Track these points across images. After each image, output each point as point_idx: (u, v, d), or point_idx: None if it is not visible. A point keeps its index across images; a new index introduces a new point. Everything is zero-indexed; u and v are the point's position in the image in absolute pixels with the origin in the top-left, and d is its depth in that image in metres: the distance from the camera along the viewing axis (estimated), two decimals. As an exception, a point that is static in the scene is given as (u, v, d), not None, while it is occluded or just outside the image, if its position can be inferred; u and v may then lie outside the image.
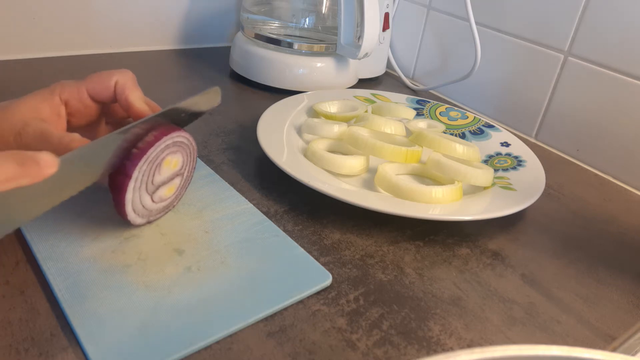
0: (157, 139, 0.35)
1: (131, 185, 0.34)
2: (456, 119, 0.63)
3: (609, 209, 0.53)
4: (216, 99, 0.42)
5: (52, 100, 0.35)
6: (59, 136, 0.32)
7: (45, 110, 0.35)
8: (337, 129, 0.52)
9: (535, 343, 0.30)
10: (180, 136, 0.37)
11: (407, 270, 0.39)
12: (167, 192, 0.38)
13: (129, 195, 0.35)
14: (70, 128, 0.37)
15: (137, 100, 0.37)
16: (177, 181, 0.39)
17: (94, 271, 0.33)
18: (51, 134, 0.32)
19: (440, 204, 0.44)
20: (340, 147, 0.52)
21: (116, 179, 0.34)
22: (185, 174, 0.40)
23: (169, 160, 0.37)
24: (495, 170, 0.52)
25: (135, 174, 0.34)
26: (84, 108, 0.37)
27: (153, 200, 0.37)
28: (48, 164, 0.25)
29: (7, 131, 0.32)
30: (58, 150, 0.30)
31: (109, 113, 0.40)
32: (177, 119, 0.39)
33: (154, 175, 0.36)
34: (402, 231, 0.44)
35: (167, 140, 0.36)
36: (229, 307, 0.32)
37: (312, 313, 0.34)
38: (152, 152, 0.35)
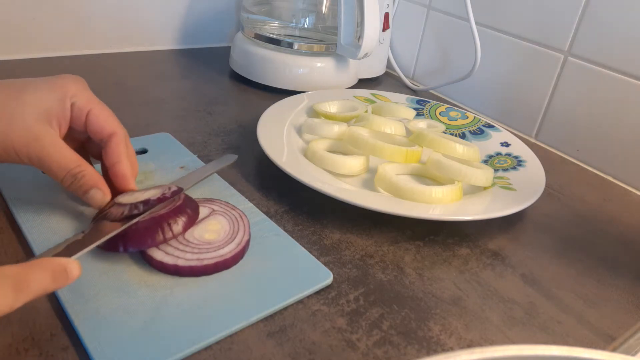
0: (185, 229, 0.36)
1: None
2: (456, 119, 0.63)
3: (609, 209, 0.53)
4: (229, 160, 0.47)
5: (64, 103, 0.36)
6: (64, 178, 0.35)
7: (54, 111, 0.35)
8: (337, 129, 0.52)
9: (535, 343, 0.30)
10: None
11: (407, 270, 0.39)
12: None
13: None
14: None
15: (130, 177, 0.38)
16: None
17: (96, 271, 0.33)
18: (56, 172, 0.34)
19: (440, 204, 0.44)
20: (340, 147, 0.52)
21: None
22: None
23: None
24: (495, 170, 0.52)
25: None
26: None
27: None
28: (75, 273, 0.29)
29: (18, 131, 0.33)
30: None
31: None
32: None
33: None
34: (402, 231, 0.44)
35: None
36: (229, 306, 0.32)
37: (312, 313, 0.34)
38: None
